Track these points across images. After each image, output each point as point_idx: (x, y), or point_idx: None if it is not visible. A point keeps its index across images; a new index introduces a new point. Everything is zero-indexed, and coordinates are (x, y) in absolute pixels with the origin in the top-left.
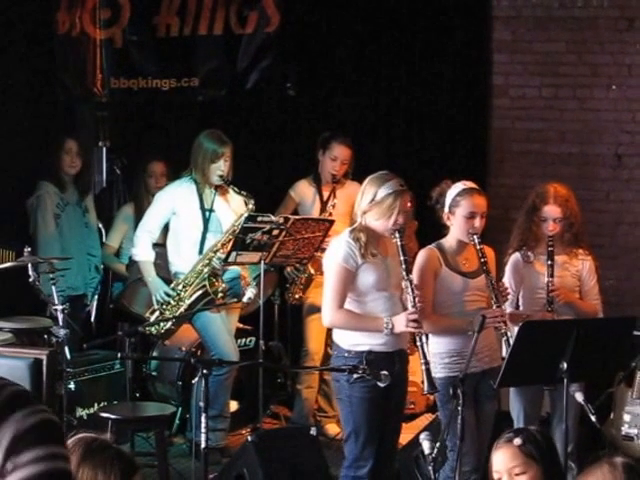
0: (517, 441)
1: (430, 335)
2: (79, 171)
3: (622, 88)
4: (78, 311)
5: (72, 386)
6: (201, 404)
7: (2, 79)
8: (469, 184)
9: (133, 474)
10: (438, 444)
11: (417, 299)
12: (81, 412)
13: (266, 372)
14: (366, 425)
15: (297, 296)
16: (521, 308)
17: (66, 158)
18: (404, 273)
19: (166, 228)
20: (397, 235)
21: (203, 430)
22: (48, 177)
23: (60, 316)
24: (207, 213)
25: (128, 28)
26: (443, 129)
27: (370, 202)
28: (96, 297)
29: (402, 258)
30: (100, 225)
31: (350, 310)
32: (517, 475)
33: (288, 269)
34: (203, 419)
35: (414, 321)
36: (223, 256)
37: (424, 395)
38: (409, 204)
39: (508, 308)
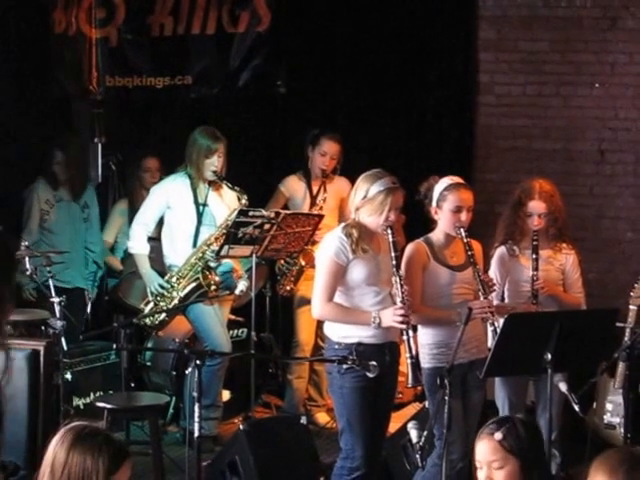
0: (498, 435)
1: (419, 326)
2: (71, 176)
3: (605, 86)
4: (73, 304)
5: (69, 376)
6: (194, 394)
7: (1, 77)
8: (456, 179)
9: (122, 460)
10: (425, 433)
11: (405, 295)
12: (78, 401)
13: (258, 362)
14: (359, 415)
15: (288, 288)
16: (506, 300)
17: (56, 168)
18: (394, 269)
19: (161, 222)
20: (389, 231)
21: (196, 419)
22: (43, 174)
23: (57, 308)
24: (201, 207)
25: (123, 27)
26: (430, 126)
27: (363, 199)
28: (96, 290)
29: (393, 254)
30: None
31: (339, 303)
32: (496, 469)
33: (281, 262)
34: (196, 408)
35: (401, 316)
36: (217, 249)
37: (409, 387)
38: (401, 201)
39: (494, 300)
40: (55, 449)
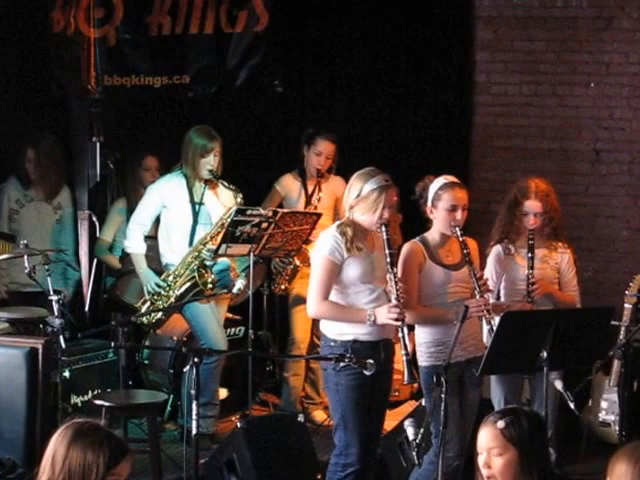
0: (500, 424)
1: (416, 325)
2: (43, 175)
3: (600, 86)
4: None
5: (67, 374)
6: (192, 392)
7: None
8: (450, 178)
9: (123, 456)
10: (422, 430)
11: (400, 292)
12: (75, 399)
13: (255, 360)
14: (353, 412)
15: (283, 287)
16: (502, 299)
17: (28, 165)
18: (388, 266)
19: (158, 221)
20: (383, 229)
21: (194, 417)
22: (16, 172)
23: (55, 306)
24: (197, 206)
25: (121, 27)
26: (427, 125)
27: (356, 197)
28: (72, 290)
29: (387, 252)
30: (94, 219)
31: (334, 302)
32: (494, 456)
33: (277, 260)
34: (194, 406)
35: (396, 313)
36: (213, 248)
37: (405, 385)
38: (395, 199)
39: (490, 299)
40: (56, 444)
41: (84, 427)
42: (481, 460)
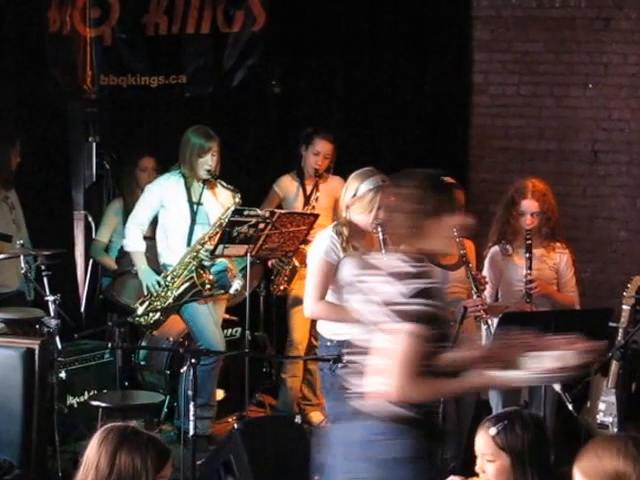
0: (492, 431)
1: None
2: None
3: (598, 86)
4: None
5: (63, 375)
6: (189, 393)
7: None
8: (447, 179)
9: (167, 458)
10: None
11: None
12: (72, 400)
13: (252, 362)
14: None
15: (282, 287)
16: (500, 300)
17: None
18: None
19: (155, 221)
20: (379, 229)
21: (191, 418)
22: None
23: (51, 307)
24: (195, 206)
25: (117, 27)
26: (425, 126)
27: (353, 197)
28: (33, 292)
29: (383, 252)
30: (90, 219)
31: (330, 302)
32: (487, 462)
33: (273, 261)
34: (191, 407)
35: None
36: (211, 248)
37: None
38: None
39: (488, 300)
40: (98, 451)
41: (126, 431)
42: (478, 464)
